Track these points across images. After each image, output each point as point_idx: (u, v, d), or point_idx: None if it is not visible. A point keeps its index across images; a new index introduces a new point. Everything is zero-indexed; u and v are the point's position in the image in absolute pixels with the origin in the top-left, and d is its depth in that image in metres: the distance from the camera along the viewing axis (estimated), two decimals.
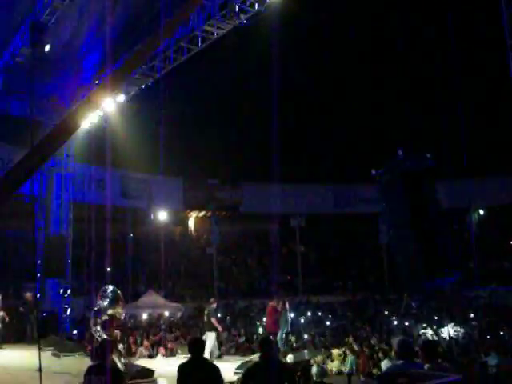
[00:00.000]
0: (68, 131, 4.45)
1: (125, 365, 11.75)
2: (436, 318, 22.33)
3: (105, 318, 11.83)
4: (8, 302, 20.35)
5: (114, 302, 12.01)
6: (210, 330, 15.24)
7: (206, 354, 15.15)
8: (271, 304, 15.69)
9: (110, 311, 11.90)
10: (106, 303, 11.94)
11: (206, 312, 15.85)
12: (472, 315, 22.96)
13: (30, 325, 20.12)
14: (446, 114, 30.01)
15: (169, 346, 17.56)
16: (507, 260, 32.26)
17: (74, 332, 20.26)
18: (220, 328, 15.71)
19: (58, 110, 20.35)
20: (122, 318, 13.15)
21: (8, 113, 21.29)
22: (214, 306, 16.04)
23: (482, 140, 29.66)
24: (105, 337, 11.09)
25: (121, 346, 12.83)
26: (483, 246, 32.20)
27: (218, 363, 6.55)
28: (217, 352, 15.45)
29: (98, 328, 11.68)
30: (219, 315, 19.46)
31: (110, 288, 12.31)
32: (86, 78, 19.98)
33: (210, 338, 14.92)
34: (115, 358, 10.88)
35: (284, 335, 15.61)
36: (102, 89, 5.82)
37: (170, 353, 17.23)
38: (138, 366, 13.35)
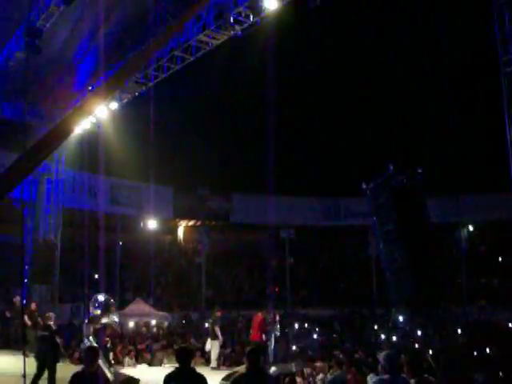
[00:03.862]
0: (60, 137, 4.45)
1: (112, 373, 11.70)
2: (423, 332, 22.28)
3: (98, 326, 11.78)
4: None
5: (106, 310, 11.98)
6: (214, 339, 15.65)
7: (213, 361, 15.54)
8: (259, 315, 15.79)
9: (104, 320, 11.86)
10: (98, 312, 11.88)
11: (210, 321, 16.41)
12: (460, 331, 22.94)
13: (15, 330, 19.88)
14: (436, 130, 30.24)
15: (155, 355, 17.45)
16: (496, 276, 32.35)
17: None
18: (221, 337, 15.98)
19: (51, 115, 20.32)
20: (116, 326, 13.18)
21: (1, 116, 21.22)
22: (219, 314, 16.47)
23: (472, 156, 29.84)
24: (95, 345, 11.00)
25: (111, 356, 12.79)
26: (472, 262, 32.26)
27: (204, 373, 6.50)
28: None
29: (91, 338, 11.56)
30: (206, 325, 19.76)
31: (102, 296, 12.26)
32: (80, 84, 19.98)
33: (214, 346, 15.45)
34: (104, 366, 10.84)
35: (273, 347, 15.77)
36: (96, 95, 5.81)
37: (156, 362, 17.14)
38: (123, 374, 13.28)
